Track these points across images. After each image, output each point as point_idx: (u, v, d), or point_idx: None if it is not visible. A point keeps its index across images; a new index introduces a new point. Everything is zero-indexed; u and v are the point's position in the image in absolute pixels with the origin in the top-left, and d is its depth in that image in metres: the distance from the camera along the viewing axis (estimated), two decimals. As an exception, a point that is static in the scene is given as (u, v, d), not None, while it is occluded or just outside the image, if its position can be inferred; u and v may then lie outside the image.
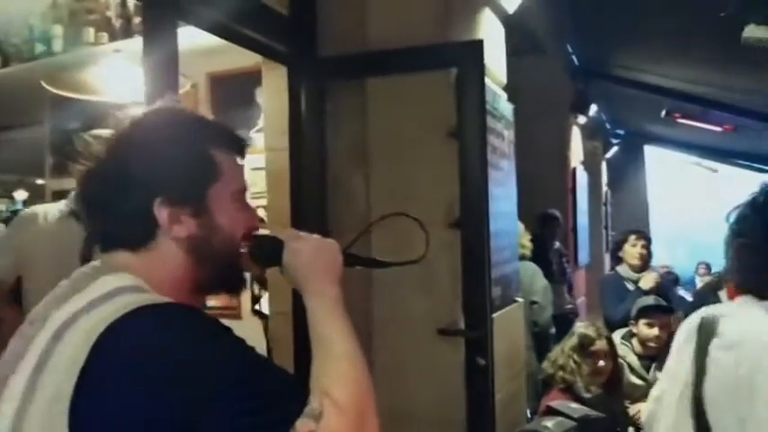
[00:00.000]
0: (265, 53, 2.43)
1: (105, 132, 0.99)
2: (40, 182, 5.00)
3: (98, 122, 3.65)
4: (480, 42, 2.27)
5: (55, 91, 2.97)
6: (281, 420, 0.78)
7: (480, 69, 2.25)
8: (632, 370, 3.08)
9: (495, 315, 2.37)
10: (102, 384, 0.75)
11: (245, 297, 3.45)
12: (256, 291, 3.37)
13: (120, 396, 0.75)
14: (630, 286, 3.71)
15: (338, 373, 0.86)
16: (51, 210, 2.37)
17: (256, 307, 3.24)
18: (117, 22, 3.09)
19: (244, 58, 3.13)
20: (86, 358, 0.75)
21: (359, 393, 0.84)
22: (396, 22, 2.39)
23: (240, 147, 1.00)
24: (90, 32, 3.09)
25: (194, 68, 3.22)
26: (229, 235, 0.95)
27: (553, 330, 3.71)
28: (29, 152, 4.08)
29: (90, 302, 0.81)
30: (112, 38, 3.06)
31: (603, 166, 8.97)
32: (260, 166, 3.19)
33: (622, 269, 3.88)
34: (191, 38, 1.89)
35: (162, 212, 0.89)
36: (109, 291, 0.83)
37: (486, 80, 2.35)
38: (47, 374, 0.77)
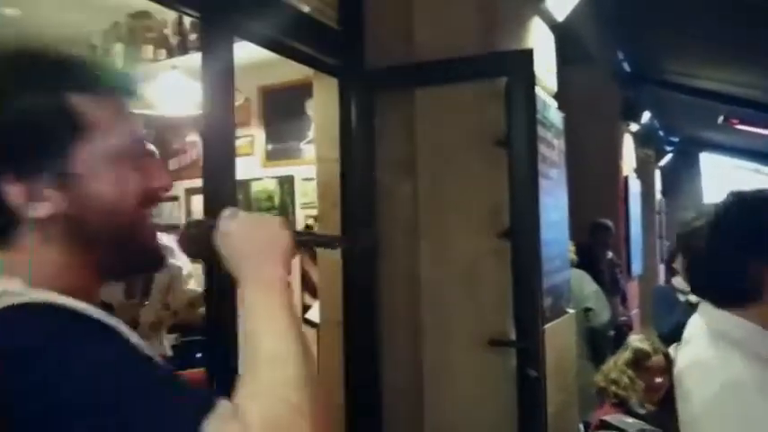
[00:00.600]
0: (316, 66, 2.48)
1: None
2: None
3: (155, 135, 3.79)
4: (530, 51, 2.26)
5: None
6: None
7: (530, 78, 2.24)
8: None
9: (546, 326, 2.34)
10: None
11: (296, 305, 3.50)
12: (306, 299, 3.42)
13: None
14: (684, 299, 3.60)
15: (258, 383, 0.66)
16: None
17: (306, 316, 3.29)
18: (174, 40, 3.22)
19: (294, 72, 3.21)
20: None
21: (278, 411, 0.63)
22: (443, 33, 2.40)
23: (122, 88, 0.79)
24: (149, 49, 3.23)
25: (247, 82, 3.32)
26: (115, 203, 0.74)
27: (612, 333, 3.63)
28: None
29: None
30: (169, 54, 3.19)
31: (657, 173, 8.74)
32: (311, 177, 3.26)
33: (677, 281, 3.76)
34: (243, 53, 1.95)
35: (12, 190, 0.69)
36: None
37: (536, 89, 2.34)
38: None
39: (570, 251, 3.58)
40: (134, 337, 0.71)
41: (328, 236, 0.96)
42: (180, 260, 2.57)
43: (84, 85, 0.74)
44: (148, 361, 0.68)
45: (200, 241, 0.84)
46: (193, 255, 0.89)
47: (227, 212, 0.84)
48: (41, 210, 0.71)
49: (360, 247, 1.01)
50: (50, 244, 0.73)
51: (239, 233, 0.81)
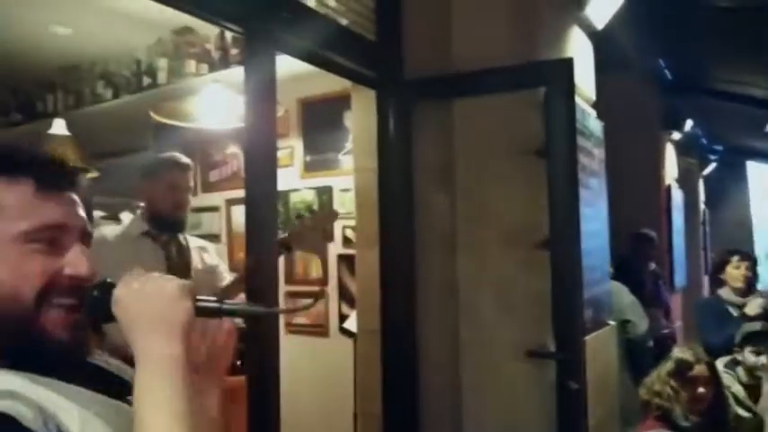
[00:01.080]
0: (354, 78, 2.51)
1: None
2: (143, 204, 5.37)
3: (197, 147, 3.88)
4: (570, 61, 2.25)
5: (159, 119, 3.18)
6: None
7: (570, 88, 2.22)
8: (738, 401, 2.88)
9: (586, 338, 2.30)
10: None
11: (333, 315, 3.53)
12: (344, 309, 3.44)
13: None
14: (734, 311, 3.50)
15: None
16: (117, 230, 2.47)
17: (344, 325, 3.31)
18: (216, 54, 3.29)
19: (332, 84, 3.25)
20: None
21: None
22: (481, 43, 2.41)
23: (50, 175, 0.77)
24: (192, 64, 3.31)
25: (286, 94, 3.37)
26: (11, 290, 0.72)
27: (651, 344, 3.55)
28: (134, 177, 4.37)
29: None
30: (212, 69, 3.26)
31: (700, 183, 8.52)
32: (348, 188, 3.29)
33: (724, 292, 3.66)
34: (283, 65, 1.99)
35: None
36: None
37: (576, 98, 2.32)
38: None
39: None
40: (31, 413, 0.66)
41: (240, 305, 0.83)
42: (214, 258, 2.63)
43: (5, 170, 0.75)
44: None
45: (100, 307, 0.76)
46: (96, 324, 0.79)
47: (126, 277, 0.76)
48: None
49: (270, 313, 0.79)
50: None
51: (131, 302, 0.73)
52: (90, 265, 0.78)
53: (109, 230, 2.45)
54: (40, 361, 0.73)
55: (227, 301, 0.79)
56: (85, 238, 0.80)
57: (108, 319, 0.75)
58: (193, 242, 2.58)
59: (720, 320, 3.46)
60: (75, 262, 0.76)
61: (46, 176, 0.76)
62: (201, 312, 0.76)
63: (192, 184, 2.60)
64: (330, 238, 3.52)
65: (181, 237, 2.51)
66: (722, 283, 3.71)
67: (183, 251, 2.48)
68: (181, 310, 0.73)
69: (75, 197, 0.80)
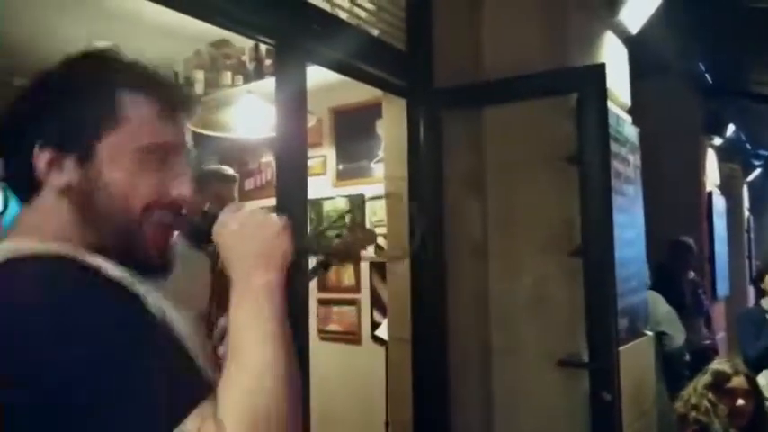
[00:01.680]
0: (385, 87, 2.53)
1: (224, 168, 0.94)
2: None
3: (233, 156, 3.95)
4: (602, 66, 2.22)
5: (195, 129, 3.26)
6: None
7: (602, 94, 2.19)
8: (781, 415, 2.78)
9: (621, 348, 2.26)
10: None
11: (365, 323, 3.54)
12: (376, 316, 3.45)
13: None
14: None
15: (234, 388, 0.68)
16: None
17: (376, 333, 3.32)
18: (250, 66, 3.36)
19: (364, 93, 3.28)
20: None
21: (249, 416, 0.65)
22: (512, 51, 2.40)
23: (174, 99, 0.83)
24: (227, 76, 3.39)
25: (318, 104, 3.41)
26: (122, 197, 0.78)
27: (687, 358, 3.45)
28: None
29: None
30: (246, 80, 3.33)
31: (744, 189, 8.27)
32: (380, 195, 3.30)
33: (766, 302, 3.55)
34: (315, 75, 2.02)
35: (40, 157, 0.77)
36: None
37: (609, 104, 2.29)
38: None
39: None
40: (161, 311, 0.73)
41: (332, 247, 0.90)
42: None
43: (133, 85, 0.80)
44: (153, 341, 0.68)
45: (201, 232, 0.82)
46: (195, 245, 0.86)
47: (231, 206, 0.83)
48: (59, 178, 0.77)
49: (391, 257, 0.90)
50: (58, 213, 0.78)
51: (236, 231, 0.79)
52: (191, 188, 0.83)
53: None
54: (137, 266, 0.78)
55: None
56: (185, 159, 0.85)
57: (201, 246, 0.80)
58: None
59: (759, 331, 3.36)
60: (180, 183, 0.82)
61: (168, 98, 0.82)
62: (298, 248, 0.82)
63: (236, 195, 2.64)
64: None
65: None
66: (766, 293, 3.61)
67: None
68: (281, 244, 0.79)
69: (187, 120, 0.86)
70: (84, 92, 0.79)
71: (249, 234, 0.79)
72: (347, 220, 3.44)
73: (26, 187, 0.79)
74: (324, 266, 2.18)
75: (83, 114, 0.78)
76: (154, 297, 0.74)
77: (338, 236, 0.89)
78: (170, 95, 0.83)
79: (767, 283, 3.56)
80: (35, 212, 0.79)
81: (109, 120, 0.78)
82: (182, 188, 0.82)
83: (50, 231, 0.76)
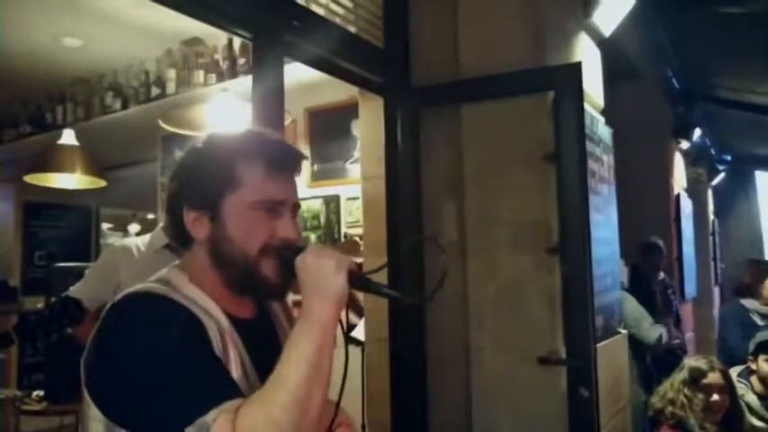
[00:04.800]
0: (362, 84, 2.51)
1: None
2: (150, 216, 5.39)
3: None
4: (578, 65, 2.25)
5: (169, 129, 3.20)
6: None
7: (578, 92, 2.21)
8: (752, 410, 2.84)
9: (598, 345, 2.28)
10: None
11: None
12: (351, 318, 3.42)
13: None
14: (759, 320, 3.51)
15: (261, 396, 0.84)
16: (139, 242, 2.45)
17: (352, 334, 3.29)
18: (224, 64, 3.31)
19: (340, 93, 3.27)
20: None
21: (260, 424, 0.81)
22: (489, 49, 2.41)
23: (280, 160, 1.02)
24: (200, 74, 3.33)
25: (293, 104, 3.37)
26: (241, 244, 0.98)
27: (659, 335, 3.53)
28: (143, 188, 4.39)
29: None
30: (220, 78, 3.28)
31: (709, 193, 8.47)
32: (356, 196, 3.28)
33: (748, 302, 3.67)
34: (290, 75, 2.00)
35: (188, 216, 1.00)
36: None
37: (585, 104, 2.31)
38: None
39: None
40: (218, 333, 0.95)
41: (390, 290, 1.02)
42: None
43: (249, 156, 1.00)
44: (198, 351, 0.89)
45: (289, 264, 0.96)
46: (287, 275, 0.99)
47: (312, 246, 0.97)
48: (200, 233, 1.00)
49: (424, 300, 1.00)
50: (201, 258, 1.01)
51: (307, 266, 0.93)
52: (297, 230, 1.03)
53: (139, 240, 2.43)
54: (258, 293, 1.05)
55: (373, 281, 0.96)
56: (295, 208, 1.04)
57: (293, 275, 0.96)
58: None
59: (744, 329, 3.46)
60: (287, 228, 1.01)
61: (274, 159, 1.01)
62: (354, 286, 0.94)
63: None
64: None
65: None
66: (747, 293, 3.72)
67: None
68: (336, 283, 0.92)
69: (294, 176, 1.05)
70: (211, 165, 1.00)
71: (314, 269, 0.93)
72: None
73: (183, 239, 1.03)
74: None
75: (212, 182, 0.99)
76: (214, 323, 0.96)
77: (375, 272, 1.01)
78: (276, 157, 1.01)
79: (765, 287, 3.68)
80: (189, 256, 1.04)
81: (228, 184, 0.99)
82: (288, 231, 1.01)
83: (196, 272, 1.01)
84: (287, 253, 0.98)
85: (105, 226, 6.00)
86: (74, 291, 2.30)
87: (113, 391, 0.88)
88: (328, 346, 0.90)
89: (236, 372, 0.94)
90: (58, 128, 3.81)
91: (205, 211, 0.99)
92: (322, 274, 0.92)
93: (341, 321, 0.97)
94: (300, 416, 0.83)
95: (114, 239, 5.62)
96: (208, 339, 0.92)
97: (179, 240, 1.05)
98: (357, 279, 0.94)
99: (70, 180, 3.70)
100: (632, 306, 3.53)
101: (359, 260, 2.82)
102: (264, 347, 1.01)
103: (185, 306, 0.93)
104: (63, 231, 5.30)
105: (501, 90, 2.34)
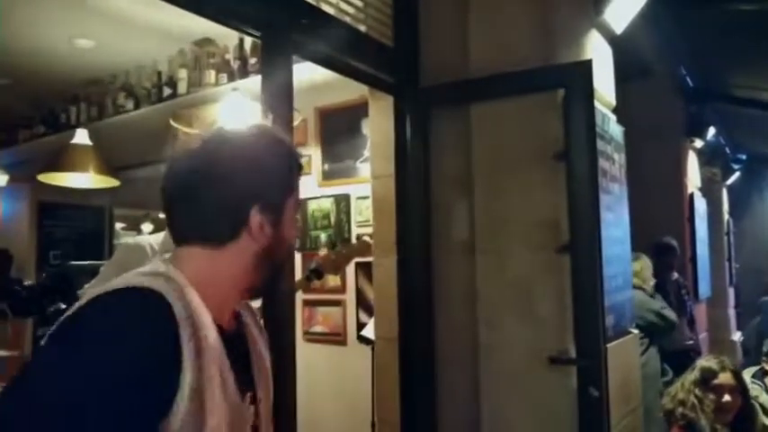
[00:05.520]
0: (372, 83, 2.52)
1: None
2: (163, 216, 5.42)
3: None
4: (589, 62, 2.23)
5: (180, 128, 3.22)
6: None
7: (589, 89, 2.20)
8: (766, 412, 2.81)
9: (609, 345, 2.26)
10: None
11: (351, 323, 3.52)
12: (361, 317, 3.42)
13: None
14: None
15: None
16: (152, 240, 2.47)
17: (362, 333, 3.29)
18: (235, 64, 3.33)
19: (350, 92, 3.27)
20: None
21: None
22: (499, 48, 2.40)
23: (300, 164, 1.05)
24: (211, 74, 3.35)
25: (303, 103, 3.39)
26: (289, 245, 1.02)
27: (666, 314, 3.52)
28: (155, 188, 4.40)
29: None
30: (231, 78, 3.30)
31: (724, 193, 8.38)
32: (366, 195, 3.28)
33: None
34: (300, 75, 2.00)
35: (255, 218, 0.93)
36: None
37: (595, 102, 2.30)
38: None
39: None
40: (193, 352, 0.83)
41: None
42: None
43: (296, 157, 1.03)
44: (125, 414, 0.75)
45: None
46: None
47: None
48: (261, 240, 0.95)
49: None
50: (243, 260, 0.95)
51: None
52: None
53: (152, 239, 2.44)
54: (271, 293, 1.09)
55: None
56: None
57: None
58: None
59: None
60: (295, 226, 1.04)
61: (300, 161, 1.04)
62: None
63: None
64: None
65: None
66: None
67: None
68: None
69: None
70: (283, 163, 0.99)
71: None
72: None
73: (227, 232, 0.93)
74: (317, 275, 2.19)
75: (283, 183, 0.98)
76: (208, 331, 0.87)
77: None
78: (299, 159, 1.04)
79: None
80: (224, 254, 0.94)
81: (290, 186, 0.99)
82: (295, 229, 1.03)
83: (232, 272, 0.95)
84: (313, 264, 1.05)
85: (118, 225, 6.04)
86: (90, 287, 2.32)
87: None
88: None
89: (216, 394, 0.84)
90: (72, 128, 3.85)
91: (272, 213, 0.95)
92: None
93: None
94: None
95: (127, 239, 5.67)
96: (175, 361, 0.80)
97: (218, 234, 0.93)
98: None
99: (83, 179, 3.73)
100: (640, 296, 3.51)
101: (369, 260, 2.83)
102: (242, 362, 0.97)
103: (176, 319, 0.82)
104: (77, 231, 5.34)
105: (511, 88, 2.33)
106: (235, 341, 0.97)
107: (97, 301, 0.80)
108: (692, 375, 2.40)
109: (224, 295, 0.95)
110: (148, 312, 0.80)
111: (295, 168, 1.02)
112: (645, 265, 3.57)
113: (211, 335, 0.86)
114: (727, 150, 7.87)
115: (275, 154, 0.99)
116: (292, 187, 1.00)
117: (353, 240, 3.50)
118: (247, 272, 0.95)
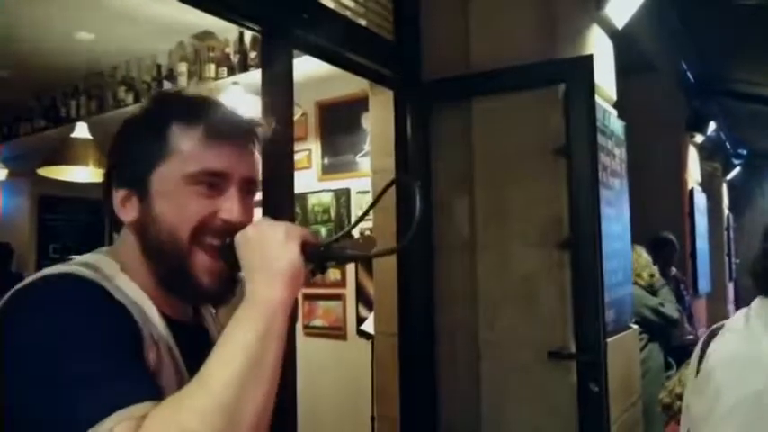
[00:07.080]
0: (372, 78, 2.51)
1: None
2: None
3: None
4: (589, 57, 2.23)
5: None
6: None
7: (590, 84, 2.19)
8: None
9: (609, 340, 2.26)
10: None
11: (351, 317, 3.52)
12: (361, 311, 3.43)
13: None
14: None
15: (176, 400, 0.65)
16: None
17: (361, 327, 3.29)
18: (235, 58, 3.32)
19: (350, 86, 3.26)
20: None
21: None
22: (500, 42, 2.39)
23: (221, 125, 0.82)
24: (211, 68, 3.34)
25: (303, 97, 3.38)
26: (170, 225, 0.80)
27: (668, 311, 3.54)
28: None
29: None
30: (231, 72, 3.29)
31: (724, 188, 8.38)
32: (366, 189, 3.28)
33: None
34: (300, 69, 2.00)
35: (116, 196, 0.83)
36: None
37: (596, 97, 2.29)
38: None
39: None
40: (150, 337, 0.76)
41: (355, 250, 0.81)
42: None
43: (180, 117, 0.82)
44: (112, 343, 0.70)
45: (230, 252, 0.78)
46: (231, 266, 0.80)
47: (256, 221, 0.81)
48: (127, 215, 0.83)
49: (382, 254, 0.74)
50: (132, 245, 0.83)
51: (245, 247, 0.76)
52: (243, 212, 0.82)
53: None
54: (189, 295, 0.85)
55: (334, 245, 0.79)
56: (248, 186, 0.84)
57: (238, 266, 0.77)
58: None
59: None
60: (229, 207, 0.81)
61: (214, 125, 0.81)
62: (311, 258, 0.76)
63: None
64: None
65: None
66: None
67: None
68: (285, 256, 0.73)
69: (245, 146, 0.85)
70: (142, 132, 0.83)
71: (257, 244, 0.75)
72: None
73: (114, 223, 0.85)
74: (321, 269, 2.18)
75: (141, 152, 0.82)
76: (148, 312, 0.78)
77: (336, 241, 0.83)
78: (219, 121, 0.83)
79: None
80: (119, 244, 0.85)
81: (159, 153, 0.80)
82: (230, 211, 0.81)
83: (128, 262, 0.82)
84: (227, 238, 0.79)
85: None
86: None
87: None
88: (274, 335, 0.70)
89: (171, 385, 0.75)
90: (72, 121, 3.84)
91: (134, 187, 0.81)
92: (268, 248, 0.73)
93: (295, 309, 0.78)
94: (227, 425, 0.64)
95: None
96: (138, 336, 0.74)
97: (111, 223, 0.86)
98: (314, 250, 0.76)
99: (83, 173, 3.73)
100: (638, 291, 3.51)
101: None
102: (201, 357, 0.76)
103: (116, 299, 0.75)
104: (77, 224, 5.34)
105: (511, 83, 2.33)
106: (190, 332, 0.87)
107: (38, 280, 0.74)
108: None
109: (151, 283, 0.82)
110: (91, 286, 0.75)
111: (179, 126, 0.81)
112: (637, 256, 3.53)
113: (156, 318, 0.79)
114: (728, 145, 7.87)
115: (140, 117, 0.85)
116: (166, 150, 0.80)
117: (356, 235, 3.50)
118: (143, 258, 0.82)
